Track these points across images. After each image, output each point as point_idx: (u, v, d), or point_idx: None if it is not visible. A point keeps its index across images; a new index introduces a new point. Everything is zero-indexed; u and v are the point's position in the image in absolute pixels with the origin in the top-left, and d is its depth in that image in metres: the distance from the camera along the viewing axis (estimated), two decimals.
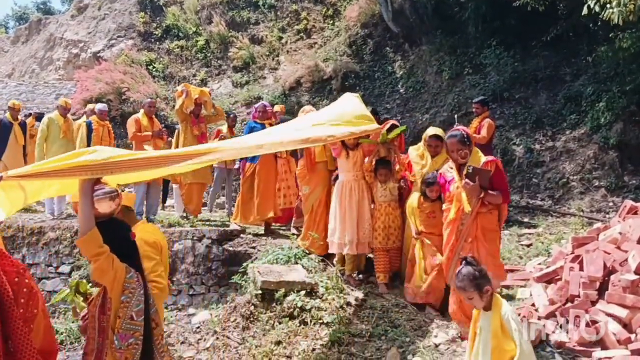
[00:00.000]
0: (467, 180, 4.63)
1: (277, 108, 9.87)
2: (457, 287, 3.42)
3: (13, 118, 9.57)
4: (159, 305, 3.50)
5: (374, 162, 6.35)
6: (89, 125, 9.03)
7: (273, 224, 8.59)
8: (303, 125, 5.41)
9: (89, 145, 8.68)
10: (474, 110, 8.93)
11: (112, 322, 3.04)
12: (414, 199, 5.88)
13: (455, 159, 4.85)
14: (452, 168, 4.94)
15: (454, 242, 4.84)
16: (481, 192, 4.64)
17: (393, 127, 6.68)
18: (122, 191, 3.77)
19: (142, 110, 8.93)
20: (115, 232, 3.19)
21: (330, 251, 6.52)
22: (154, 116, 9.01)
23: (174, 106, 10.71)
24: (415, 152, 6.21)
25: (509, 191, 4.91)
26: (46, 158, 8.79)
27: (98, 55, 17.90)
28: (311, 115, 6.42)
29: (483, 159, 4.80)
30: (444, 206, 5.11)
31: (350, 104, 6.11)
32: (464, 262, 3.43)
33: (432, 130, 6.08)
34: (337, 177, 6.61)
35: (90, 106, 9.39)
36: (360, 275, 6.58)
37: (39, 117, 10.31)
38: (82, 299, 3.51)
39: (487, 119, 8.58)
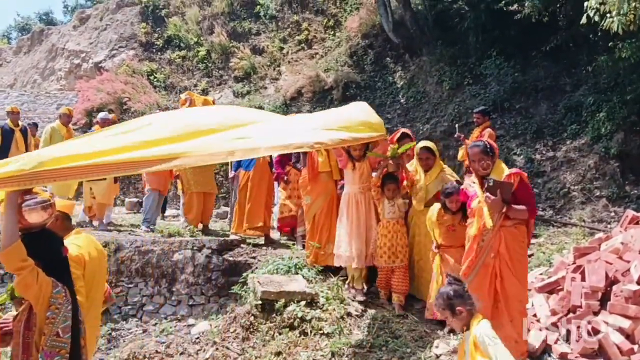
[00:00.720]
0: (488, 194, 4.41)
1: None
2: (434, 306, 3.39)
3: (14, 124, 9.56)
4: (88, 322, 3.27)
5: (381, 177, 6.06)
6: None
7: (282, 231, 8.51)
8: (289, 128, 5.01)
9: None
10: (474, 120, 8.94)
11: (37, 338, 2.91)
12: (433, 211, 5.56)
13: (477, 169, 4.63)
14: (474, 183, 4.71)
15: (473, 258, 4.58)
16: (503, 207, 4.40)
17: (404, 136, 6.62)
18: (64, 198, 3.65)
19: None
20: (45, 244, 3.05)
21: (336, 264, 6.26)
22: None
23: None
24: (410, 168, 6.13)
25: (535, 205, 4.65)
26: None
27: (99, 65, 17.97)
28: (300, 118, 6.13)
29: (506, 171, 4.56)
30: (468, 221, 4.86)
31: (356, 111, 5.87)
32: (447, 279, 3.38)
33: (422, 143, 6.03)
34: (342, 187, 6.44)
35: (100, 115, 9.35)
36: (364, 288, 6.37)
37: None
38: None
39: (488, 129, 8.59)
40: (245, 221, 8.02)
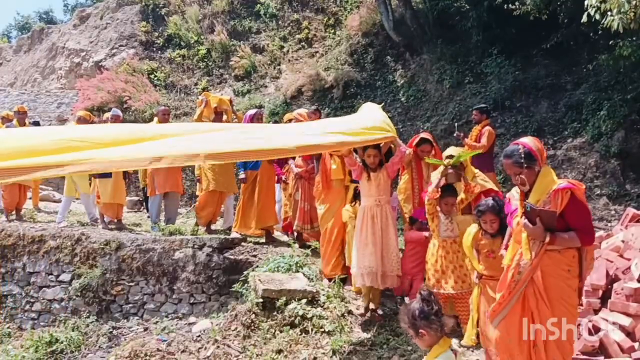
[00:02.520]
0: (526, 220, 3.63)
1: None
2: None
3: (20, 124, 9.54)
4: None
5: (439, 190, 5.31)
6: None
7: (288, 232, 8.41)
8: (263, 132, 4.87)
9: None
10: (473, 117, 8.92)
11: None
12: (470, 233, 4.69)
13: (516, 185, 3.83)
14: (517, 193, 3.87)
15: (506, 294, 3.74)
16: (546, 235, 3.55)
17: (423, 141, 6.35)
18: None
19: (155, 118, 9.00)
20: None
21: (356, 285, 5.88)
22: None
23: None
24: (437, 175, 5.61)
25: (591, 228, 3.67)
26: None
27: (100, 64, 17.96)
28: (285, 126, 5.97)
29: (554, 185, 3.61)
30: (503, 244, 4.12)
31: (363, 115, 5.69)
32: (419, 295, 3.03)
33: (450, 150, 5.58)
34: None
35: (106, 115, 9.31)
36: (380, 311, 5.84)
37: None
38: None
39: (487, 127, 8.55)
40: (256, 222, 7.94)
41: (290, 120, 7.74)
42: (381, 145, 5.75)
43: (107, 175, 8.53)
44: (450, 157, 5.48)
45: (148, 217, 9.61)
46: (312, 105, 13.69)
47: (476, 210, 4.67)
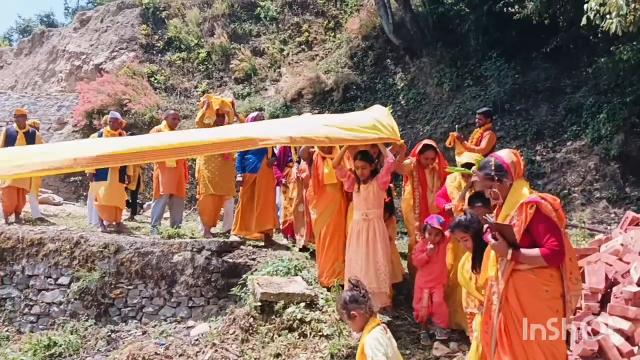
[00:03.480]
0: (489, 236, 3.56)
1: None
2: None
3: (20, 126, 9.55)
4: None
5: (466, 199, 4.83)
6: (100, 136, 8.89)
7: (288, 235, 8.36)
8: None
9: None
10: (476, 120, 8.86)
11: None
12: (468, 258, 4.32)
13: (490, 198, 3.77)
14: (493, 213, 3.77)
15: (487, 319, 3.62)
16: (508, 251, 3.43)
17: (427, 148, 5.96)
18: None
19: (164, 122, 9.04)
20: None
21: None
22: (176, 128, 9.06)
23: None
24: (452, 184, 5.35)
25: (557, 248, 3.37)
26: None
27: (100, 67, 17.98)
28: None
29: (524, 198, 3.51)
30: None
31: (367, 114, 5.50)
32: (348, 284, 3.44)
33: (464, 156, 5.36)
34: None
35: (105, 118, 9.35)
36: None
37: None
38: None
39: (489, 131, 8.54)
40: (255, 225, 7.91)
41: None
42: (374, 156, 5.63)
43: (102, 177, 8.56)
44: (468, 165, 5.09)
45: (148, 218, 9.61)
46: (314, 108, 13.76)
47: (450, 228, 4.46)
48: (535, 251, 3.39)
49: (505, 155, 3.72)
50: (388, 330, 3.47)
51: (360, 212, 5.46)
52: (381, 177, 5.41)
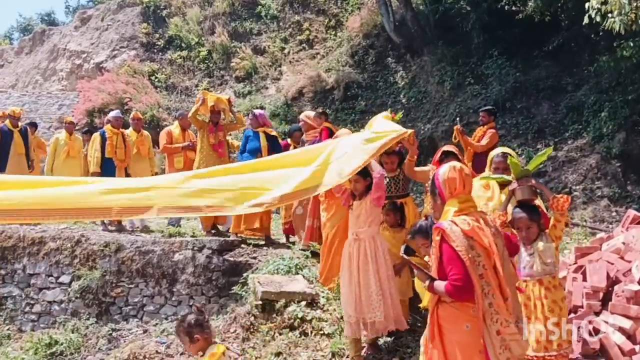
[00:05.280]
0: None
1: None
2: None
3: (13, 125, 9.52)
4: None
5: (506, 213, 4.05)
6: (102, 135, 8.81)
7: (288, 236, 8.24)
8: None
9: (103, 154, 8.63)
10: (480, 118, 8.80)
11: None
12: None
13: None
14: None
15: (427, 344, 3.38)
16: (426, 280, 3.24)
17: (448, 154, 5.13)
18: None
19: (176, 122, 9.06)
20: None
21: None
22: (188, 128, 9.14)
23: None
24: (479, 183, 4.66)
25: (457, 282, 3.03)
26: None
27: (101, 65, 17.99)
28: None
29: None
30: None
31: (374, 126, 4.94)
32: (194, 307, 3.59)
33: (499, 149, 4.62)
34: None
35: (112, 114, 9.29)
36: None
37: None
38: None
39: (491, 130, 8.51)
40: (243, 221, 7.91)
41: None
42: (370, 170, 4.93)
43: (110, 177, 8.56)
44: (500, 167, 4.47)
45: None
46: (315, 107, 13.73)
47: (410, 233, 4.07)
48: (442, 285, 3.12)
49: (442, 170, 3.33)
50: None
51: (352, 232, 4.98)
52: (373, 192, 4.87)
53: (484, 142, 8.29)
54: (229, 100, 8.74)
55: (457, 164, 3.39)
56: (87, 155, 9.58)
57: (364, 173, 4.88)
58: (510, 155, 4.30)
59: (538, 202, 4.27)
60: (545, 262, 3.82)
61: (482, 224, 3.17)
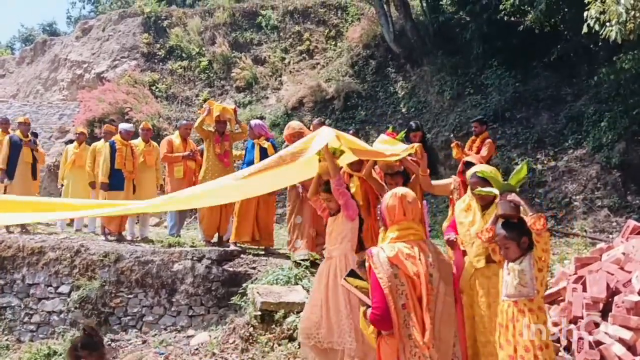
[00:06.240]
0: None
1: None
2: None
3: (23, 135, 9.57)
4: None
5: (493, 228, 3.69)
6: (112, 145, 8.84)
7: None
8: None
9: (112, 165, 8.66)
10: (473, 129, 8.89)
11: None
12: None
13: None
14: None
15: None
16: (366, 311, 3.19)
17: (468, 165, 4.67)
18: None
19: (176, 132, 9.09)
20: None
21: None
22: (188, 138, 9.15)
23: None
24: (460, 207, 4.38)
25: (381, 312, 3.00)
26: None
27: (102, 75, 18.03)
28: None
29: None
30: None
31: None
32: (83, 329, 3.48)
33: (474, 168, 4.26)
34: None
35: (123, 126, 9.27)
36: None
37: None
38: None
39: (488, 139, 8.57)
40: (235, 235, 7.88)
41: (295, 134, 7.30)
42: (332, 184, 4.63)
43: (118, 187, 8.56)
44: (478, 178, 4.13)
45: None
46: (315, 117, 13.75)
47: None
48: (369, 313, 3.06)
49: (385, 197, 3.29)
50: None
51: (326, 250, 4.75)
52: (342, 209, 4.57)
53: (483, 152, 8.32)
54: (234, 110, 8.78)
55: (400, 191, 3.31)
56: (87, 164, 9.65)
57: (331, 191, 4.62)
58: (484, 171, 4.03)
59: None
60: (522, 284, 3.49)
61: (416, 252, 3.07)
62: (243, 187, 4.44)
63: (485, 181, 3.94)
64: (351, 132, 7.20)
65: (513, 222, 3.58)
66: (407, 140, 6.64)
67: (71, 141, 11.59)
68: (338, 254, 4.57)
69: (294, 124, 7.73)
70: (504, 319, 3.57)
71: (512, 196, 3.68)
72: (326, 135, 4.38)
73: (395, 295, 2.95)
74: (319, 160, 4.65)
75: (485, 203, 4.05)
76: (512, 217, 3.61)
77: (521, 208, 3.62)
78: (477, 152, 8.37)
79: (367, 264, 3.06)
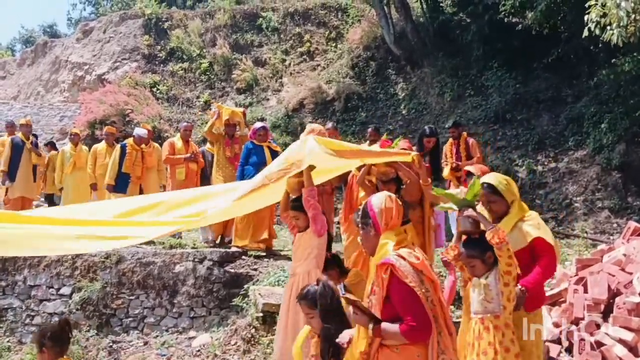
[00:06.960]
0: (350, 308, 3.07)
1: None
2: None
3: (25, 137, 9.57)
4: None
5: (457, 245, 3.64)
6: (122, 148, 8.83)
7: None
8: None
9: (120, 167, 8.63)
10: (450, 135, 8.73)
11: None
12: (306, 333, 3.60)
13: None
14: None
15: None
16: (369, 324, 2.91)
17: (468, 175, 4.94)
18: None
19: (178, 134, 9.09)
20: None
21: None
22: (190, 140, 9.11)
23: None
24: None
25: (417, 321, 2.82)
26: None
27: (103, 77, 18.04)
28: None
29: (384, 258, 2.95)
30: None
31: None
32: (58, 321, 3.68)
33: (484, 177, 3.95)
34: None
35: (137, 132, 9.22)
36: None
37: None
38: None
39: (471, 139, 8.61)
40: (251, 236, 7.88)
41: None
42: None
43: (122, 189, 8.56)
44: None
45: None
46: (316, 118, 13.80)
47: None
48: (396, 327, 2.84)
49: (377, 200, 3.10)
50: None
51: (290, 267, 4.56)
52: (311, 224, 4.32)
53: (477, 153, 8.40)
54: (243, 113, 8.82)
55: (391, 194, 3.20)
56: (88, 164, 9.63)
57: (302, 209, 4.39)
58: (492, 184, 3.80)
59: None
60: (487, 299, 3.40)
61: (421, 256, 2.97)
62: (235, 207, 4.41)
63: (495, 191, 3.76)
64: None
65: (475, 239, 3.51)
66: (419, 145, 6.59)
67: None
68: (301, 271, 4.29)
69: (315, 127, 7.74)
70: (471, 336, 3.47)
71: (469, 211, 3.59)
72: (313, 148, 4.25)
73: (427, 303, 2.85)
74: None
75: (498, 216, 3.79)
76: (473, 233, 3.55)
77: (481, 223, 3.54)
78: (466, 156, 8.37)
79: (383, 276, 2.88)
